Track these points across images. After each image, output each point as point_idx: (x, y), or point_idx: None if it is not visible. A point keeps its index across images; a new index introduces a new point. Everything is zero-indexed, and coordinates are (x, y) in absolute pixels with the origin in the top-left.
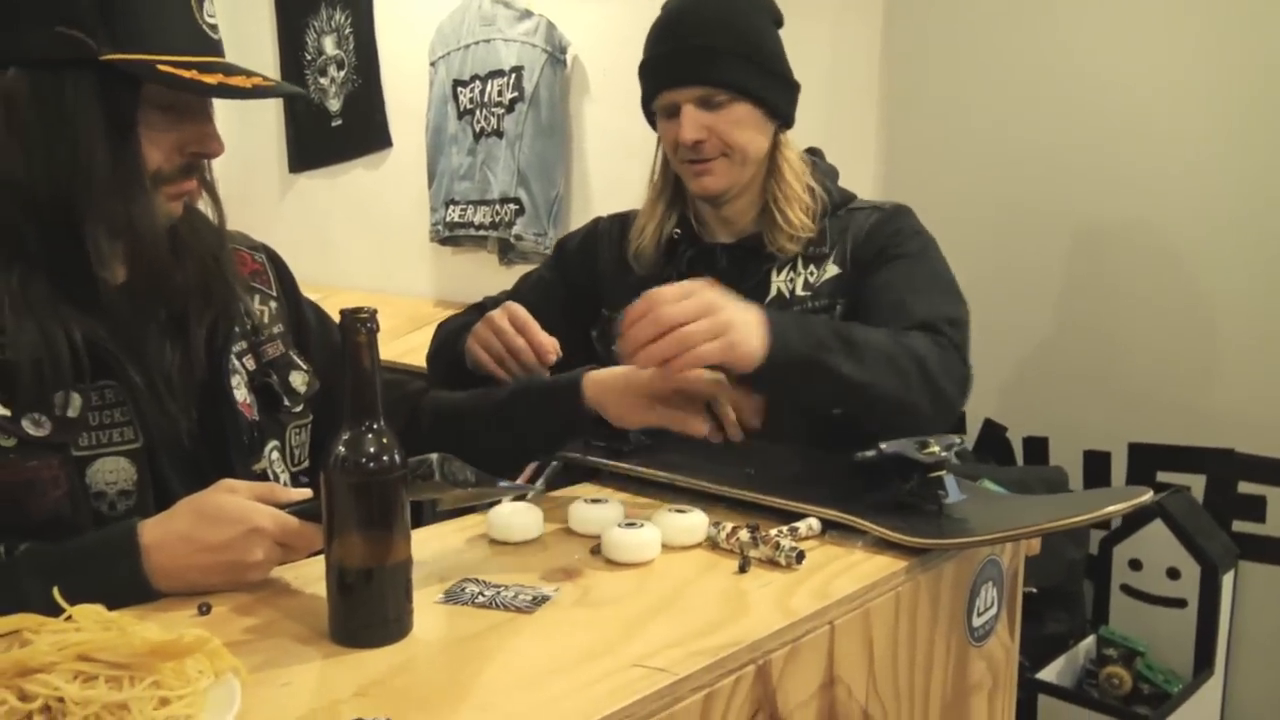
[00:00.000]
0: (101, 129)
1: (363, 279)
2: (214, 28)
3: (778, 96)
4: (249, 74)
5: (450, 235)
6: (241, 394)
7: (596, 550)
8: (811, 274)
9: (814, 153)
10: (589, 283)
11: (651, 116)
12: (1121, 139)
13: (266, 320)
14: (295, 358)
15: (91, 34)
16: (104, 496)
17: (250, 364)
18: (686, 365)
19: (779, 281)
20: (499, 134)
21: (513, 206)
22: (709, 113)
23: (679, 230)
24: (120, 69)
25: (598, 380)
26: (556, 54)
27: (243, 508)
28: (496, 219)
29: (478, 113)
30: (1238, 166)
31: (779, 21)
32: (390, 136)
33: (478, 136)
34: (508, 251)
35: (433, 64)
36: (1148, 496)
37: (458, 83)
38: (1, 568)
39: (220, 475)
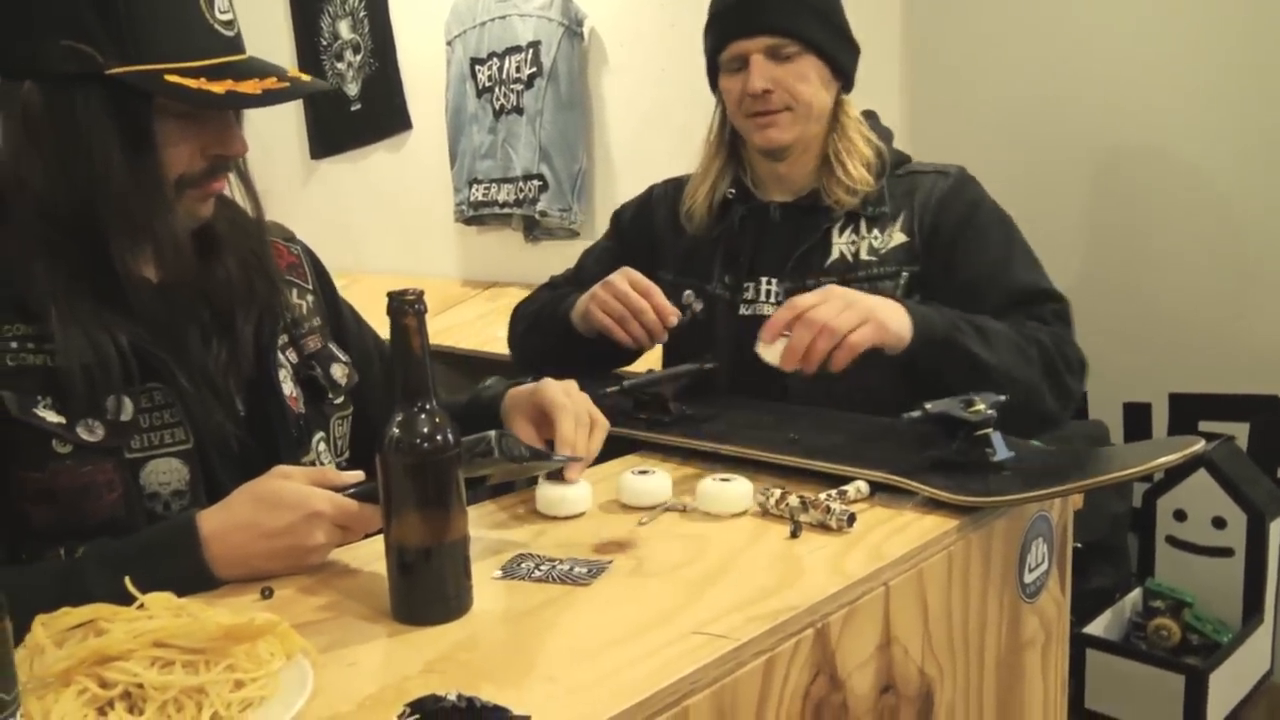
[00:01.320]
0: (115, 141)
1: (388, 263)
2: (228, 24)
3: (843, 55)
4: (263, 74)
5: (475, 215)
6: (288, 387)
7: (645, 522)
8: (876, 238)
9: (869, 115)
10: (646, 246)
11: (714, 79)
12: (1148, 86)
13: (305, 313)
14: (335, 350)
15: (99, 47)
16: (158, 497)
17: (293, 357)
18: (847, 355)
19: (841, 243)
20: (519, 110)
21: (536, 183)
22: (777, 64)
23: (733, 190)
24: (127, 82)
25: (514, 397)
26: (573, 27)
27: (300, 493)
28: (520, 196)
29: (496, 90)
30: (1271, 108)
31: None
32: (410, 118)
33: (498, 114)
34: (533, 228)
35: (449, 43)
36: (1199, 446)
37: (475, 61)
38: (66, 567)
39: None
